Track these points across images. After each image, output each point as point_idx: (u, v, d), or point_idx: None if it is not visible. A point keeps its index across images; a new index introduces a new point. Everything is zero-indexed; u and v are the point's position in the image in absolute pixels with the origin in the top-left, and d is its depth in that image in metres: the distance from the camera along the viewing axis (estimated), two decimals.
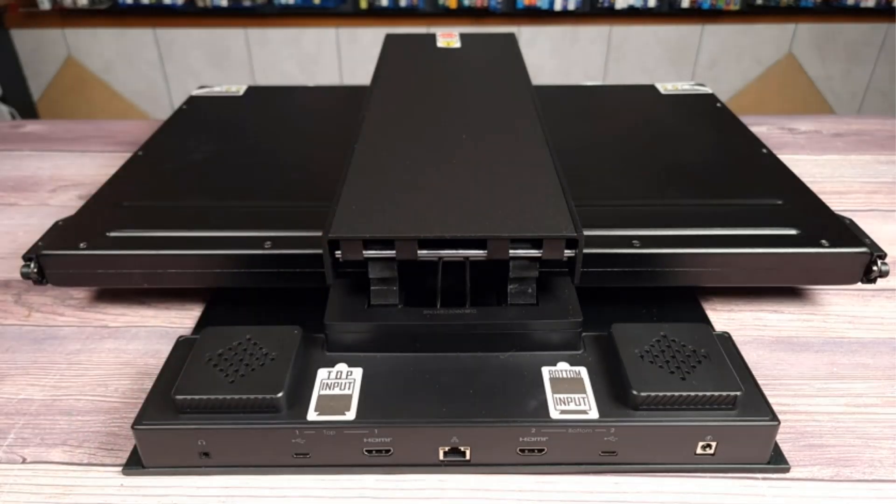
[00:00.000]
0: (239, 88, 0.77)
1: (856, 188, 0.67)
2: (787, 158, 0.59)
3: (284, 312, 0.46)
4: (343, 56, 2.02)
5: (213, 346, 0.37)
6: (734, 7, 1.92)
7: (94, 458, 0.37)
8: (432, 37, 0.71)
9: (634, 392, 0.34)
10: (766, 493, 0.35)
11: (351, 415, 0.34)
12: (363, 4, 1.90)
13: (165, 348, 0.44)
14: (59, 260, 0.45)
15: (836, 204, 0.51)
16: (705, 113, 0.69)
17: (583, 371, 0.37)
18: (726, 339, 0.40)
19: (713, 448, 0.35)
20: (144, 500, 0.35)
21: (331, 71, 2.04)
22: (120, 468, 0.36)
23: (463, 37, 0.71)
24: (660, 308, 0.47)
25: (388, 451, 0.35)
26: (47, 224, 0.50)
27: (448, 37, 0.71)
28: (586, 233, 0.36)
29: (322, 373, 0.37)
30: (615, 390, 0.36)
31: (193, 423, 0.34)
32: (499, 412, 0.35)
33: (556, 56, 2.02)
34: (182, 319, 0.48)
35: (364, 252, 0.36)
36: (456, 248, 0.36)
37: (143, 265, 0.45)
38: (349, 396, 0.35)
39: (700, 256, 0.44)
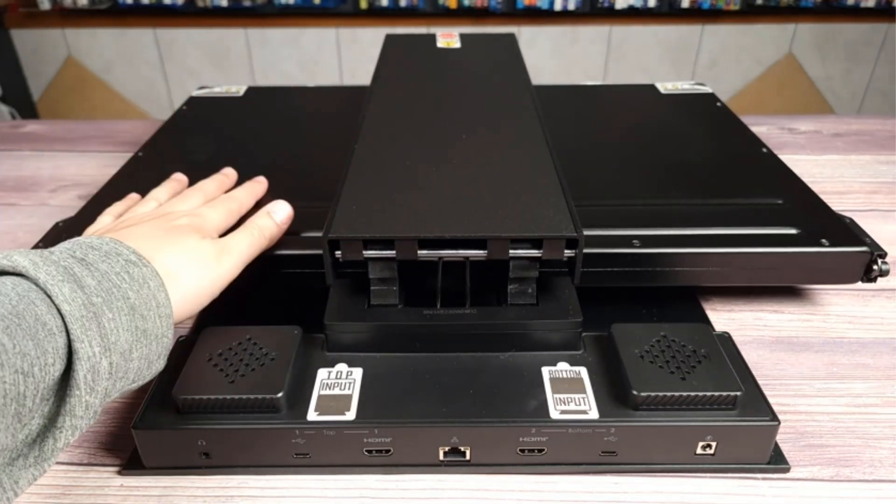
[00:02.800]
0: (239, 89, 0.77)
1: (856, 188, 0.67)
2: (787, 158, 0.59)
3: (284, 312, 0.46)
4: (343, 56, 2.02)
5: (213, 346, 0.37)
6: (734, 7, 1.92)
7: (93, 459, 0.37)
8: (432, 37, 0.71)
9: (634, 392, 0.34)
10: (766, 493, 0.35)
11: (351, 415, 0.34)
12: (363, 4, 1.90)
13: None
14: None
15: (836, 204, 0.51)
16: (705, 113, 0.69)
17: (583, 371, 0.37)
18: (726, 339, 0.40)
19: (713, 448, 0.35)
20: (144, 500, 0.35)
21: (331, 71, 2.04)
22: (120, 468, 0.36)
23: (463, 37, 0.71)
24: (660, 308, 0.47)
25: (388, 451, 0.35)
26: (47, 224, 0.50)
27: (448, 37, 0.71)
28: (586, 233, 0.36)
29: (322, 373, 0.37)
30: (615, 390, 0.36)
31: (193, 423, 0.34)
32: (499, 412, 0.35)
33: (556, 56, 2.02)
34: None
35: (364, 252, 0.36)
36: (456, 248, 0.36)
37: None
38: (349, 396, 0.35)
39: (700, 256, 0.44)
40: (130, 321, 0.29)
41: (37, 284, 0.28)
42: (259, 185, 0.48)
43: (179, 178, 0.49)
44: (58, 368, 0.27)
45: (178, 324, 0.34)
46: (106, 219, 0.44)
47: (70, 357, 0.27)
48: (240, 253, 0.39)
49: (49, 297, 0.27)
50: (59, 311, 0.27)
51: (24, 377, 0.25)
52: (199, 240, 0.37)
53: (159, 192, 0.46)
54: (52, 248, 0.31)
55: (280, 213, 0.43)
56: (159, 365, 0.33)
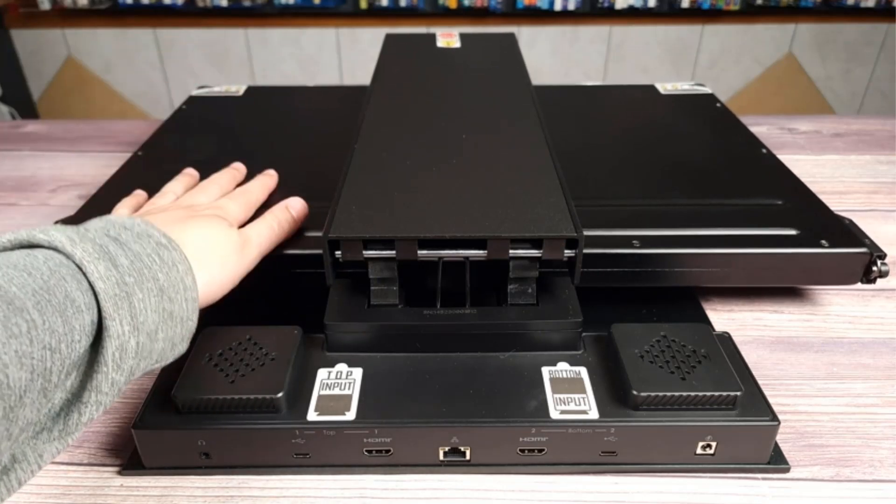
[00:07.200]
0: (239, 88, 0.77)
1: (856, 188, 0.67)
2: (786, 158, 0.59)
3: (284, 312, 0.46)
4: (343, 56, 2.02)
5: (213, 346, 0.37)
6: (734, 7, 1.92)
7: (93, 459, 0.37)
8: (432, 37, 0.71)
9: (634, 392, 0.34)
10: (766, 493, 0.35)
11: (351, 415, 0.34)
12: (363, 4, 1.90)
13: None
14: None
15: (836, 204, 0.51)
16: (705, 113, 0.69)
17: (583, 371, 0.37)
18: (726, 339, 0.40)
19: (713, 448, 0.35)
20: (144, 500, 0.35)
21: (331, 71, 2.04)
22: (120, 468, 0.36)
23: (463, 37, 0.71)
24: (660, 308, 0.47)
25: (388, 451, 0.35)
26: (47, 224, 0.50)
27: (448, 37, 0.71)
28: (586, 233, 0.36)
29: (322, 373, 0.37)
30: (615, 390, 0.36)
31: (193, 423, 0.34)
32: (499, 412, 0.35)
33: (556, 56, 2.02)
34: None
35: (364, 252, 0.36)
36: (456, 248, 0.36)
37: None
38: (349, 396, 0.35)
39: (700, 256, 0.44)
40: (159, 302, 0.30)
41: (71, 260, 0.28)
42: (270, 178, 0.50)
43: (191, 172, 0.51)
44: (83, 345, 0.27)
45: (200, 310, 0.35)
46: (123, 211, 0.45)
47: (98, 334, 0.27)
48: (259, 244, 0.40)
49: (84, 273, 0.27)
50: (91, 288, 0.27)
51: (51, 353, 0.25)
52: (227, 228, 0.38)
53: (174, 186, 0.47)
54: (87, 225, 0.32)
55: (297, 208, 0.45)
56: (182, 347, 0.33)
